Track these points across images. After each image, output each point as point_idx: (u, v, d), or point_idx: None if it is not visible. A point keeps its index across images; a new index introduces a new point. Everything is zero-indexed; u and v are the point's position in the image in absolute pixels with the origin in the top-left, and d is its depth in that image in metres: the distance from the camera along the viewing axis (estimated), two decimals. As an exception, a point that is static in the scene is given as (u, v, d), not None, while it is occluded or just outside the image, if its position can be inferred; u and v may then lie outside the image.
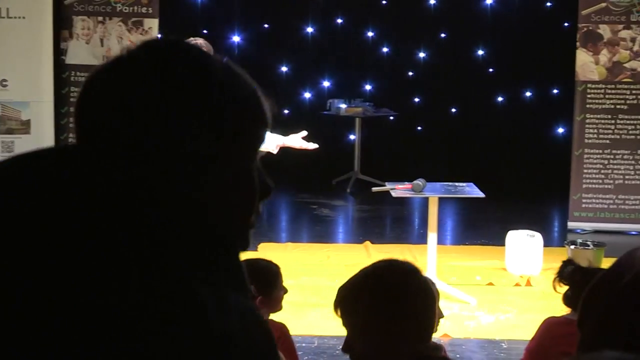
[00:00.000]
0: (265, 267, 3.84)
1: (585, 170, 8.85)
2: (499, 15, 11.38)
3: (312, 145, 5.87)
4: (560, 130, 11.45)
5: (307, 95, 11.78)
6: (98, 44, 8.82)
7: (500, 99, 11.78)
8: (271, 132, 1.56)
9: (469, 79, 11.46)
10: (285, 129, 6.04)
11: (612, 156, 8.82)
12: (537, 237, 7.38)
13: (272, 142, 5.27)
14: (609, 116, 8.81)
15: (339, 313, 2.36)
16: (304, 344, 5.71)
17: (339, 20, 11.66)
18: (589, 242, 7.39)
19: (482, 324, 6.26)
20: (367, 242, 8.15)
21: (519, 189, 10.21)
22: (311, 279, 7.03)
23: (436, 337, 2.81)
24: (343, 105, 10.95)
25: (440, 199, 6.59)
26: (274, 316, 3.85)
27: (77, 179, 1.11)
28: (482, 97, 11.60)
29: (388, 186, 6.68)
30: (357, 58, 11.67)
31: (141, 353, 1.04)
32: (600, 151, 8.83)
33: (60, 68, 8.80)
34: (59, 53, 8.79)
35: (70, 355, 1.03)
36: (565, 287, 3.46)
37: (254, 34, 11.53)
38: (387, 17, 11.62)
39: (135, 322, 1.05)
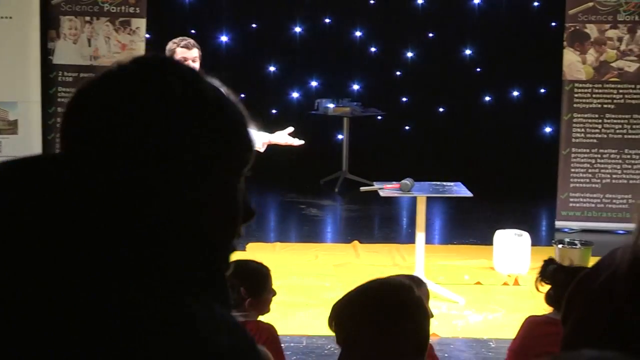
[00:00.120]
0: (255, 269, 3.83)
1: (572, 170, 8.87)
2: (487, 15, 11.41)
3: (298, 142, 5.88)
4: (548, 129, 11.47)
5: (295, 95, 11.78)
6: (85, 44, 8.79)
7: (487, 98, 11.80)
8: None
9: (456, 79, 11.48)
10: (273, 128, 6.05)
11: (599, 155, 8.84)
12: (525, 237, 7.39)
13: (258, 140, 5.27)
14: (596, 115, 8.83)
15: (333, 328, 2.38)
16: (292, 344, 5.71)
17: (327, 20, 11.67)
18: (576, 241, 7.40)
19: (470, 323, 6.27)
20: (356, 242, 8.15)
21: (506, 188, 10.23)
22: (299, 279, 7.03)
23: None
24: (331, 105, 10.95)
25: (428, 198, 6.60)
26: (262, 317, 3.84)
27: (77, 180, 1.12)
28: (469, 97, 11.63)
29: (376, 186, 6.69)
30: (345, 58, 11.66)
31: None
32: (588, 150, 8.85)
33: (48, 68, 8.77)
34: (46, 53, 8.75)
35: (70, 356, 1.04)
36: (548, 286, 3.48)
37: (242, 34, 11.52)
38: (375, 17, 11.63)
39: (135, 322, 1.06)
